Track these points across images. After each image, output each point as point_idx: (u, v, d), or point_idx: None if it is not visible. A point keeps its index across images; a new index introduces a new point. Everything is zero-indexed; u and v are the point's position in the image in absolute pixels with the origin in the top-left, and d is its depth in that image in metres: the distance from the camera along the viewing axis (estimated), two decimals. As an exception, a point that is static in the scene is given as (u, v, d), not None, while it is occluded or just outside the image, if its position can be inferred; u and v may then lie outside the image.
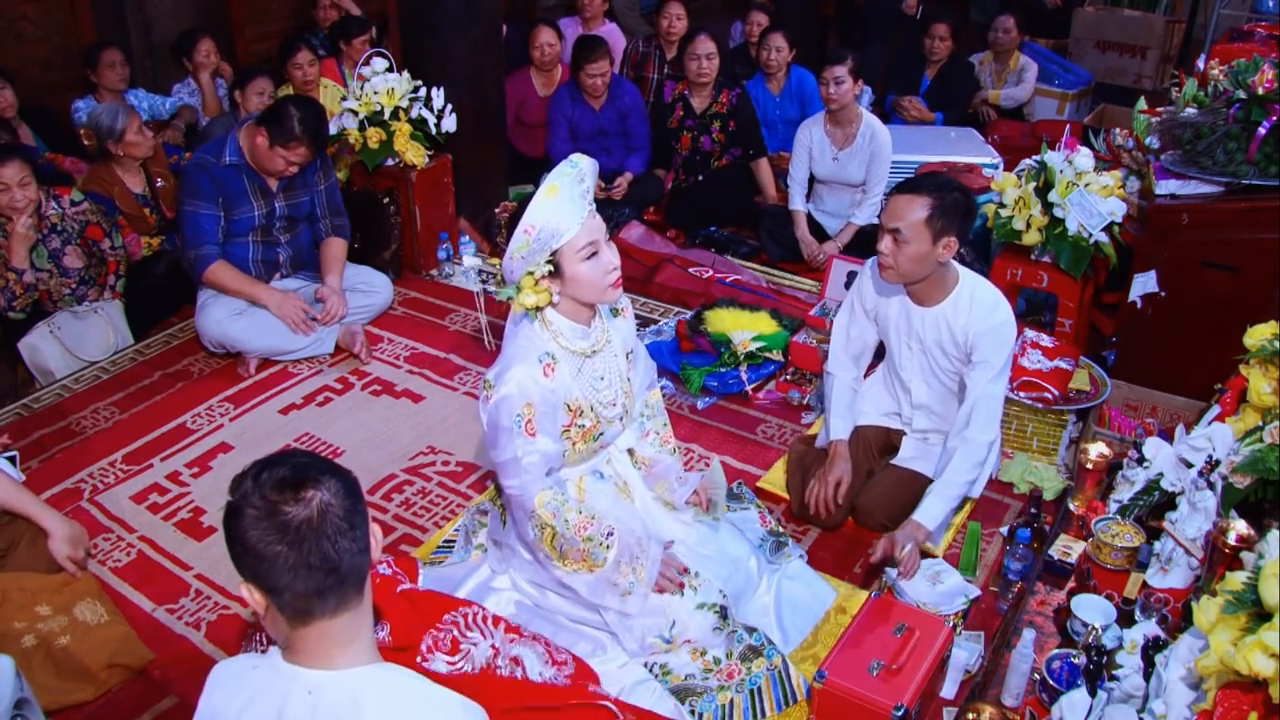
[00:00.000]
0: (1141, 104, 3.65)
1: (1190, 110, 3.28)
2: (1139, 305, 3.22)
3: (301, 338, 3.62)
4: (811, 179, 4.48)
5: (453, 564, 2.58)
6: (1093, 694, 1.91)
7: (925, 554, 2.68)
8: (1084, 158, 3.30)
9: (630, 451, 2.44)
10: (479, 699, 1.38)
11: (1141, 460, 2.58)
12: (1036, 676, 2.11)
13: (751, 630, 2.31)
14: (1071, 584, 2.37)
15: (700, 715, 2.19)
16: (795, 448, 2.99)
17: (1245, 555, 1.94)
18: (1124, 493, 2.57)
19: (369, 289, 3.90)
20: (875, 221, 4.40)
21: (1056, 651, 2.15)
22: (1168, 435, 2.65)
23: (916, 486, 2.73)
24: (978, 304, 2.61)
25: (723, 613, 2.26)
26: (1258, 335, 2.42)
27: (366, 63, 4.14)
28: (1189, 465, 2.39)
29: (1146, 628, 2.03)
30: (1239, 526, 2.08)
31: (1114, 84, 6.87)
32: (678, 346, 3.62)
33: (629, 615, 2.23)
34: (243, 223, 3.57)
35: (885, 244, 2.54)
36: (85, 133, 4.08)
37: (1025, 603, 2.40)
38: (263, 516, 1.22)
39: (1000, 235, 3.41)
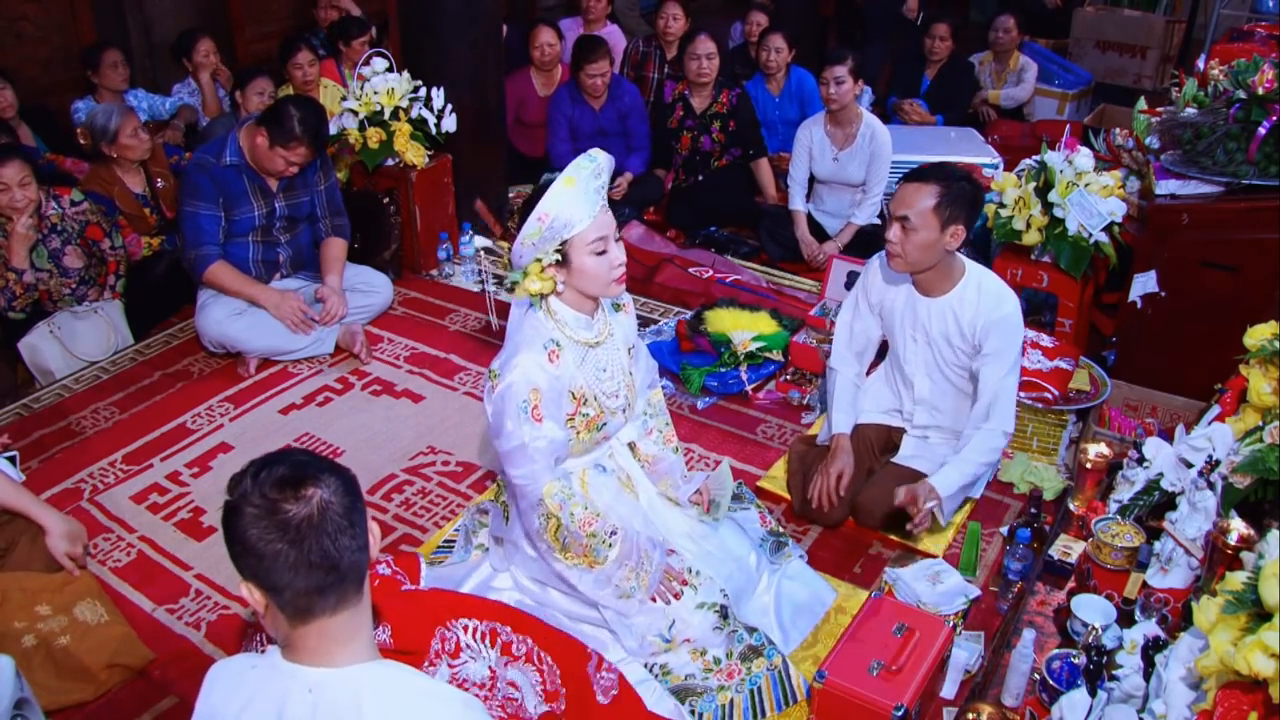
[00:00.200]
0: (1141, 104, 3.65)
1: (1190, 110, 3.28)
2: (1139, 305, 3.22)
3: (301, 338, 3.62)
4: (811, 179, 4.48)
5: (453, 564, 2.58)
6: (1093, 694, 1.91)
7: (925, 554, 2.69)
8: (1084, 158, 3.30)
9: (631, 446, 2.45)
10: None
11: (1141, 460, 2.58)
12: (1036, 676, 2.11)
13: (752, 630, 2.31)
14: (1071, 584, 2.37)
15: (700, 715, 2.19)
16: (796, 448, 2.99)
17: (1245, 555, 1.94)
18: (1124, 493, 2.57)
19: (369, 289, 3.90)
20: (875, 222, 4.41)
21: (1056, 651, 2.15)
22: (1168, 435, 2.65)
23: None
24: (985, 294, 2.63)
25: (723, 612, 2.26)
26: (1258, 335, 2.42)
27: (366, 63, 4.14)
28: (1189, 465, 2.39)
29: (1146, 628, 2.03)
30: (1239, 526, 2.08)
31: (1114, 84, 6.87)
32: (678, 346, 3.62)
33: (625, 616, 2.23)
34: (243, 223, 3.57)
35: (894, 232, 2.56)
36: (82, 132, 4.09)
37: (1025, 603, 2.40)
38: (262, 515, 1.22)
39: (1000, 235, 3.41)
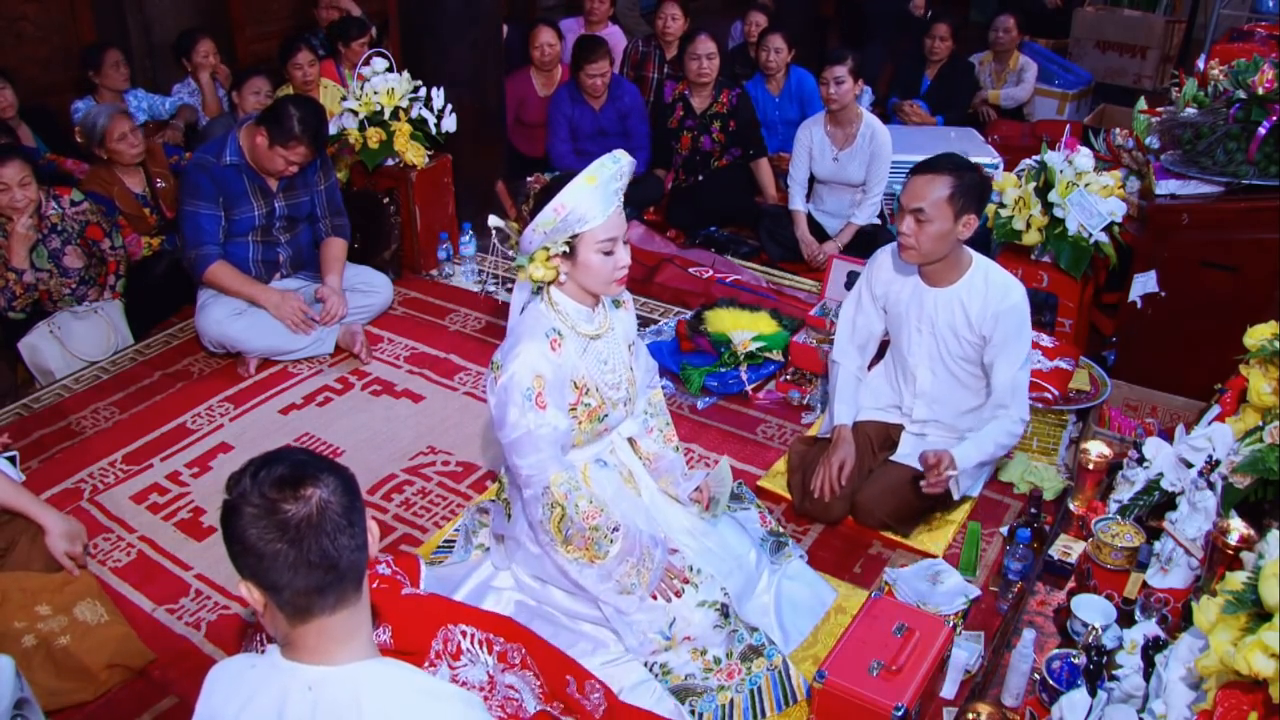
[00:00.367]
0: (1141, 104, 3.65)
1: (1190, 110, 3.28)
2: (1139, 305, 3.22)
3: (301, 338, 3.62)
4: (811, 179, 4.48)
5: (453, 564, 2.57)
6: (1093, 694, 1.91)
7: (925, 554, 2.69)
8: (1084, 158, 3.30)
9: (632, 443, 2.46)
10: None
11: (1141, 460, 2.58)
12: (1036, 676, 2.11)
13: (752, 630, 2.31)
14: (1071, 584, 2.37)
15: (700, 715, 2.19)
16: (795, 448, 2.99)
17: (1245, 555, 1.94)
18: (1124, 493, 2.57)
19: (369, 289, 3.90)
20: (875, 222, 4.41)
21: (1056, 651, 2.15)
22: (1168, 435, 2.65)
23: (916, 485, 2.73)
24: (992, 285, 2.65)
25: (724, 610, 2.26)
26: (1258, 335, 2.42)
27: (366, 63, 4.14)
28: (1189, 465, 2.39)
29: (1146, 628, 2.02)
30: (1239, 526, 2.08)
31: (1114, 84, 6.88)
32: (678, 346, 3.62)
33: (624, 613, 2.23)
34: (243, 222, 3.57)
35: (907, 224, 2.57)
36: (79, 132, 4.10)
37: (1025, 603, 2.39)
38: (262, 515, 1.22)
39: (1000, 235, 3.41)
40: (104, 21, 5.33)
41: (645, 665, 2.25)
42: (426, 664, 1.88)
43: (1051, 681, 2.06)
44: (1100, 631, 2.11)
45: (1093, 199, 3.22)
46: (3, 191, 3.39)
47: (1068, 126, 4.47)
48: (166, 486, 3.05)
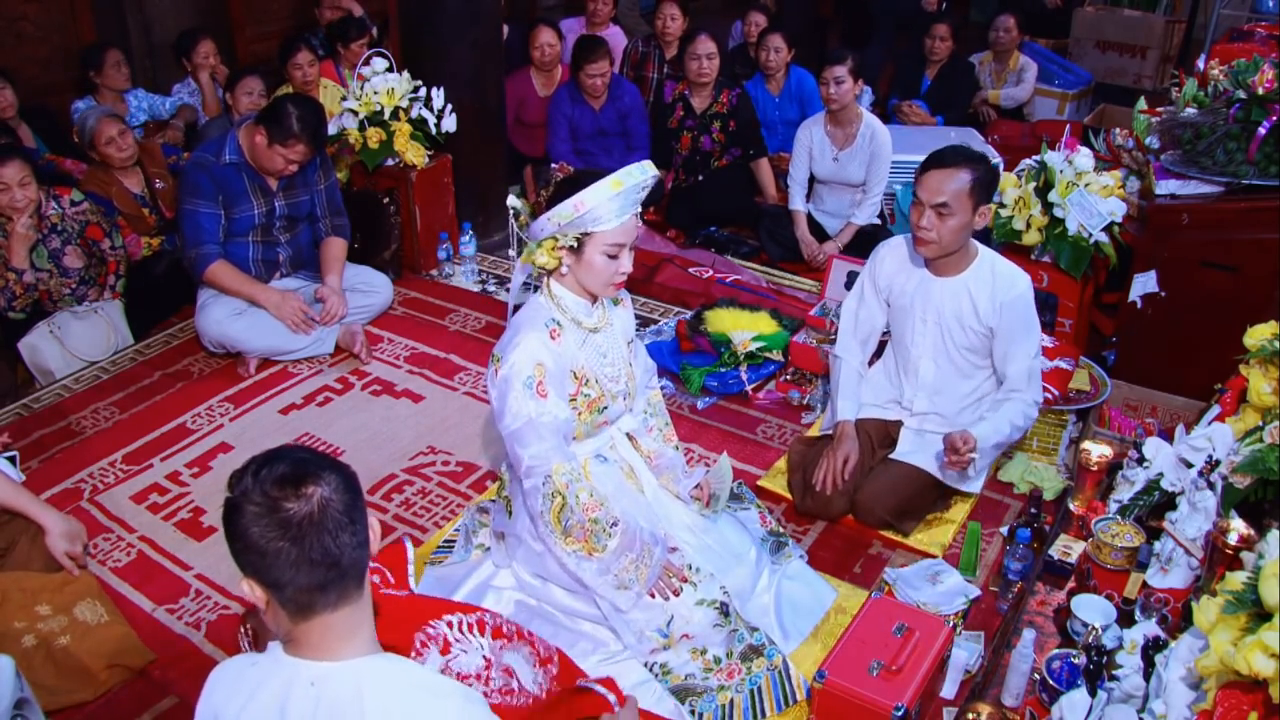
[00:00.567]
0: (1141, 104, 3.65)
1: (1190, 110, 3.28)
2: (1139, 305, 3.22)
3: (301, 338, 3.61)
4: (811, 179, 4.48)
5: (453, 564, 2.58)
6: (1093, 694, 1.91)
7: (925, 554, 2.69)
8: (1084, 158, 3.30)
9: (632, 439, 2.46)
10: None
11: (1141, 460, 2.58)
12: (1036, 676, 2.11)
13: (753, 629, 2.31)
14: (1071, 584, 2.37)
15: (700, 715, 2.19)
16: (795, 448, 2.99)
17: (1245, 555, 1.94)
18: (1124, 493, 2.57)
19: (369, 289, 3.90)
20: (875, 222, 4.41)
21: (1056, 651, 2.15)
22: (1168, 435, 2.65)
23: (917, 482, 2.75)
24: (999, 275, 2.69)
25: (723, 609, 2.26)
26: (1258, 335, 2.42)
27: (366, 63, 4.14)
28: (1189, 465, 2.39)
29: (1146, 628, 2.02)
30: (1239, 526, 2.08)
31: (1114, 84, 6.87)
32: (678, 346, 3.62)
33: (621, 610, 2.23)
34: (242, 221, 3.56)
35: (928, 219, 2.59)
36: (76, 132, 4.12)
37: (1025, 603, 2.39)
38: (264, 513, 1.23)
39: (1000, 235, 3.41)
40: (104, 21, 5.33)
41: (645, 665, 2.26)
42: (413, 653, 1.86)
43: (1051, 681, 2.06)
44: (1100, 631, 2.11)
45: (1093, 199, 3.22)
46: (3, 191, 3.39)
47: (1068, 126, 4.47)
48: (166, 486, 3.05)
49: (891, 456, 2.83)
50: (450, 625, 1.85)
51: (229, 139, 3.52)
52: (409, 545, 2.19)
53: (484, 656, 1.81)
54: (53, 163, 4.27)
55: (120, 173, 4.03)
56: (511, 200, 2.27)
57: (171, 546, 2.80)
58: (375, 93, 4.08)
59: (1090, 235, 3.24)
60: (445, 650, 1.83)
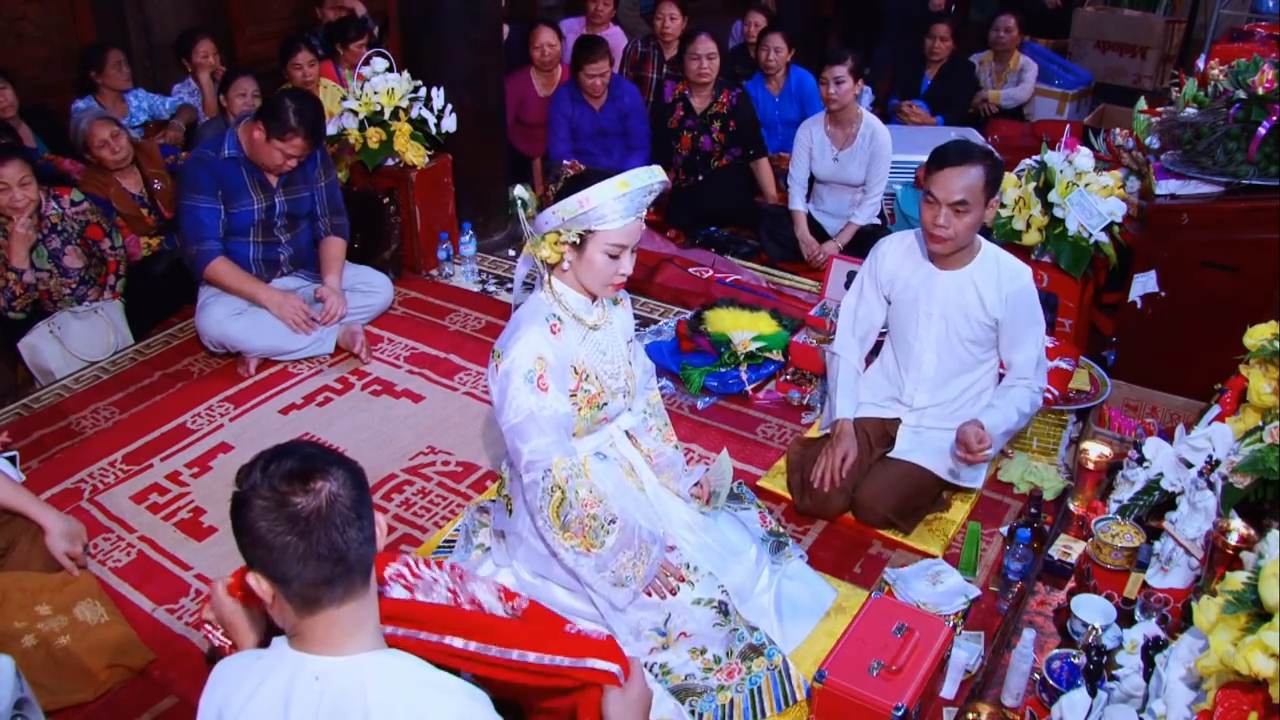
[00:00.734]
0: (1141, 104, 3.65)
1: (1190, 110, 3.28)
2: (1139, 305, 3.22)
3: (301, 338, 3.61)
4: (811, 179, 4.48)
5: (453, 564, 2.57)
6: (1093, 694, 1.91)
7: (925, 554, 2.69)
8: (1084, 158, 3.30)
9: (631, 437, 2.46)
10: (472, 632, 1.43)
11: (1141, 460, 2.58)
12: (1036, 676, 2.11)
13: (753, 629, 2.31)
14: (1071, 584, 2.37)
15: (700, 715, 2.19)
16: (794, 448, 2.99)
17: (1245, 555, 1.94)
18: (1124, 493, 2.57)
19: (369, 289, 3.90)
20: (875, 222, 4.41)
21: (1056, 651, 2.15)
22: (1168, 435, 2.65)
23: (917, 480, 2.75)
24: (1004, 268, 2.72)
25: (722, 609, 2.26)
26: (1258, 335, 2.42)
27: (366, 63, 4.14)
28: (1189, 465, 2.39)
29: (1146, 628, 2.03)
30: (1239, 526, 2.08)
31: (1114, 84, 6.87)
32: (678, 346, 3.62)
33: (617, 608, 2.23)
34: (242, 216, 3.56)
35: (944, 217, 2.61)
36: (70, 132, 4.12)
37: (1025, 603, 2.40)
38: (272, 507, 1.23)
39: (1000, 235, 3.41)
40: (104, 21, 5.33)
41: (645, 665, 2.25)
42: (382, 585, 1.80)
43: (1051, 681, 2.06)
44: (1100, 631, 2.11)
45: (1093, 199, 3.22)
46: (3, 191, 3.39)
47: (1068, 126, 4.47)
48: (166, 486, 3.05)
49: (890, 455, 2.83)
50: (402, 575, 1.82)
51: (228, 135, 3.52)
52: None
53: (449, 588, 1.78)
54: (52, 163, 4.27)
55: (118, 173, 4.03)
56: (518, 190, 2.27)
57: (171, 546, 2.80)
58: (375, 93, 4.08)
59: (1090, 235, 3.24)
60: (409, 588, 1.80)
